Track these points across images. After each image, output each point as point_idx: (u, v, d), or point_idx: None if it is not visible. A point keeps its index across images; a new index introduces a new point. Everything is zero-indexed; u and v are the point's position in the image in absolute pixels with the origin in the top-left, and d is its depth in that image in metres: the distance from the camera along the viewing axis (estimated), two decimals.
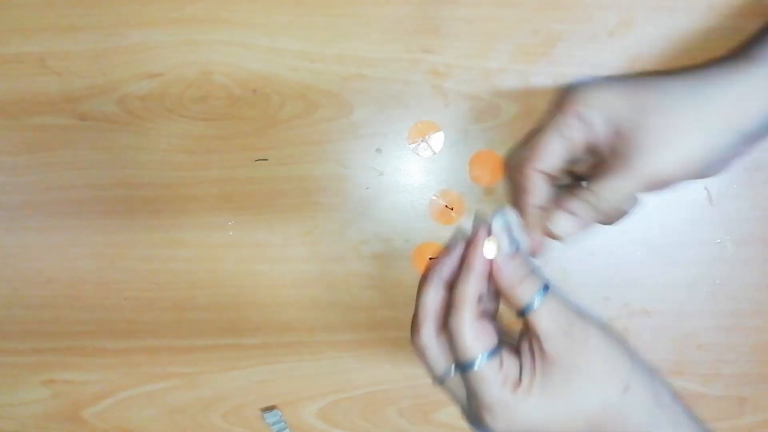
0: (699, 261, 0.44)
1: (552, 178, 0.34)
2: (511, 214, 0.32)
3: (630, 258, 0.44)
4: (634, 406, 0.29)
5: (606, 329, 0.31)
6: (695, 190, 0.43)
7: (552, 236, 0.33)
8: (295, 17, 0.42)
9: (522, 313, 0.30)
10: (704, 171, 0.32)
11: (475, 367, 0.29)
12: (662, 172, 0.30)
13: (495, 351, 0.29)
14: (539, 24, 0.42)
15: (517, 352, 0.30)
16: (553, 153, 0.33)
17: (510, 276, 0.30)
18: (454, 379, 0.31)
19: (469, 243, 0.31)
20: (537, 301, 0.29)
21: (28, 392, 0.48)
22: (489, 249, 0.30)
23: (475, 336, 0.29)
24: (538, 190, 0.33)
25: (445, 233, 0.44)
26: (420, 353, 0.32)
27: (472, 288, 0.30)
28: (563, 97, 0.34)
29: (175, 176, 0.44)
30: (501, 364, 0.29)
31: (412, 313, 0.34)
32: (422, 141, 0.43)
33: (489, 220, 0.32)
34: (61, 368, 0.47)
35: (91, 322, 0.46)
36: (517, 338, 0.31)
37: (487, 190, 0.44)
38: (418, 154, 0.44)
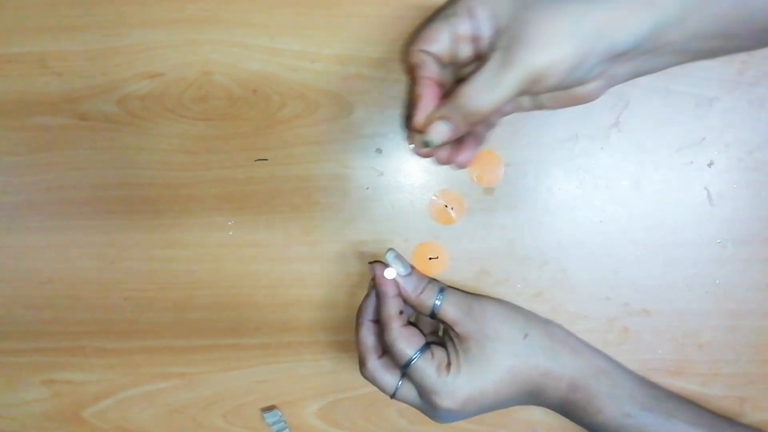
0: (699, 261, 0.44)
1: (438, 60, 0.35)
2: (395, 251, 0.40)
3: (630, 258, 0.44)
4: (536, 346, 0.38)
5: (500, 301, 0.40)
6: (695, 190, 0.43)
7: (429, 143, 0.35)
8: (295, 17, 0.42)
9: (432, 314, 0.38)
10: (576, 76, 0.32)
11: (412, 363, 0.36)
12: (533, 67, 0.31)
13: (425, 347, 0.37)
14: None
15: (443, 344, 0.38)
16: (440, 39, 0.35)
17: (412, 290, 0.38)
18: (404, 388, 0.38)
19: (375, 279, 0.38)
20: (438, 301, 0.37)
21: (28, 392, 0.48)
22: (389, 274, 0.38)
23: (406, 341, 0.37)
24: (427, 65, 0.35)
25: (445, 233, 0.44)
26: (372, 380, 0.39)
27: (391, 306, 0.37)
28: None
29: (175, 176, 0.44)
30: (432, 355, 0.37)
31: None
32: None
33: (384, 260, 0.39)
34: (61, 368, 0.47)
35: (91, 322, 0.46)
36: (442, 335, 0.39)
37: (486, 190, 0.44)
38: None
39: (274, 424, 0.46)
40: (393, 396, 0.39)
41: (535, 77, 0.31)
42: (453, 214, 0.44)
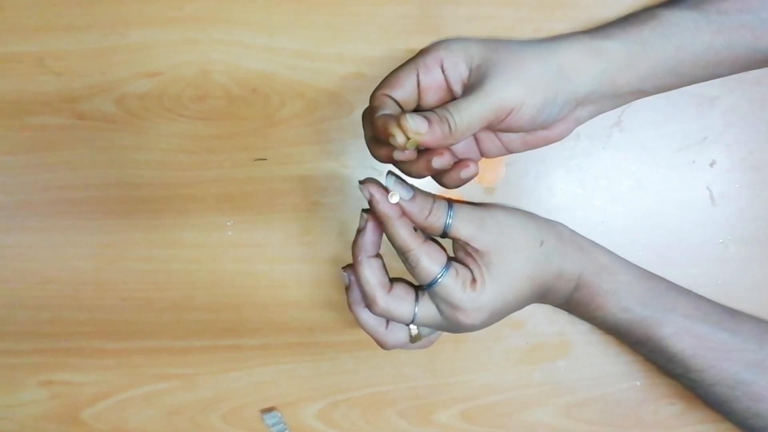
0: (701, 261, 0.43)
1: (401, 105, 0.36)
2: (395, 172, 0.36)
3: (630, 258, 0.43)
4: (551, 251, 0.37)
5: (508, 209, 0.38)
6: (697, 190, 0.43)
7: (404, 133, 0.33)
8: (295, 16, 0.42)
9: (444, 234, 0.36)
10: (545, 115, 0.35)
11: (439, 282, 0.35)
12: (504, 99, 0.33)
13: (448, 264, 0.35)
14: (540, 23, 0.41)
15: (460, 261, 0.37)
16: (405, 85, 0.36)
17: (419, 213, 0.35)
18: (421, 310, 0.37)
19: (374, 204, 0.35)
20: (449, 220, 0.35)
21: (27, 393, 0.47)
22: (392, 198, 0.35)
23: (429, 259, 0.35)
24: (387, 105, 0.36)
25: None
26: (387, 315, 0.37)
27: (403, 226, 0.35)
28: (429, 46, 0.37)
29: (173, 176, 0.44)
30: (456, 272, 0.35)
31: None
32: None
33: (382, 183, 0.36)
34: (60, 369, 0.47)
35: (89, 323, 0.46)
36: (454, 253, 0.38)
37: (487, 190, 0.44)
38: None
39: (273, 425, 0.46)
40: (411, 322, 0.37)
41: (505, 107, 0.34)
42: None
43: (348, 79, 0.43)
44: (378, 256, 0.38)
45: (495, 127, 0.35)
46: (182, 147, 0.44)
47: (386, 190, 0.35)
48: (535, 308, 0.44)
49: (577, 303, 0.39)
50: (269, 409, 0.47)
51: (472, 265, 0.36)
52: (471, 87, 0.35)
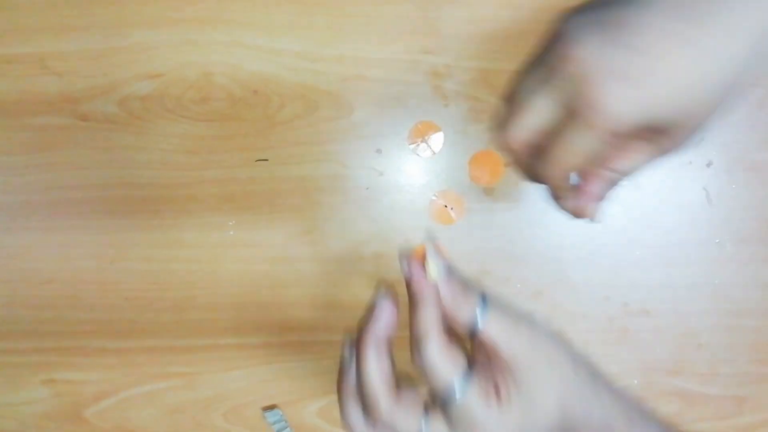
0: (698, 261, 0.44)
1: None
2: (434, 238, 0.31)
3: (629, 258, 0.44)
4: (584, 381, 0.30)
5: (540, 322, 0.31)
6: (694, 190, 0.43)
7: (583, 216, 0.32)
8: (295, 18, 0.42)
9: (471, 331, 0.29)
10: (708, 102, 0.29)
11: (459, 393, 0.28)
12: (666, 110, 0.28)
13: (469, 370, 0.29)
14: (540, 24, 0.42)
15: (482, 369, 0.30)
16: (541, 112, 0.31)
17: (451, 296, 0.30)
18: (430, 427, 0.29)
19: (410, 275, 0.30)
20: (481, 314, 0.29)
21: (29, 392, 0.48)
22: (431, 272, 0.30)
23: (450, 362, 0.29)
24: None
25: (444, 233, 0.44)
26: (387, 428, 0.30)
27: (432, 314, 0.29)
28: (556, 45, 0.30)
29: (175, 176, 0.44)
30: (479, 383, 0.29)
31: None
32: (422, 141, 0.43)
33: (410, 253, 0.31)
34: (62, 368, 0.47)
35: (91, 322, 0.46)
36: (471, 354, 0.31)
37: (486, 190, 0.44)
38: (418, 155, 0.44)
39: (275, 423, 0.46)
40: None
41: (674, 123, 0.29)
42: (453, 214, 0.44)
43: (348, 80, 0.43)
44: (389, 344, 0.31)
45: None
46: (184, 147, 0.44)
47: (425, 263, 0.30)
48: (533, 306, 0.44)
49: None
50: (270, 407, 0.47)
51: (498, 375, 0.29)
52: None
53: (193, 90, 0.43)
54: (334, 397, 0.46)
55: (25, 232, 0.46)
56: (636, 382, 0.45)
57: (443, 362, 0.28)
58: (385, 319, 0.31)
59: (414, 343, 0.30)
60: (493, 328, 0.29)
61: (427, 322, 0.29)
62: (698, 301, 0.44)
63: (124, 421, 0.48)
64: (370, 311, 0.31)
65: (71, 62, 0.43)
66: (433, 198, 0.44)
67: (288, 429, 0.47)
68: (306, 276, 0.45)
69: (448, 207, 0.44)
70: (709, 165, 0.43)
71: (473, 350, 0.30)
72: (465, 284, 0.30)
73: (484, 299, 0.30)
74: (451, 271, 0.30)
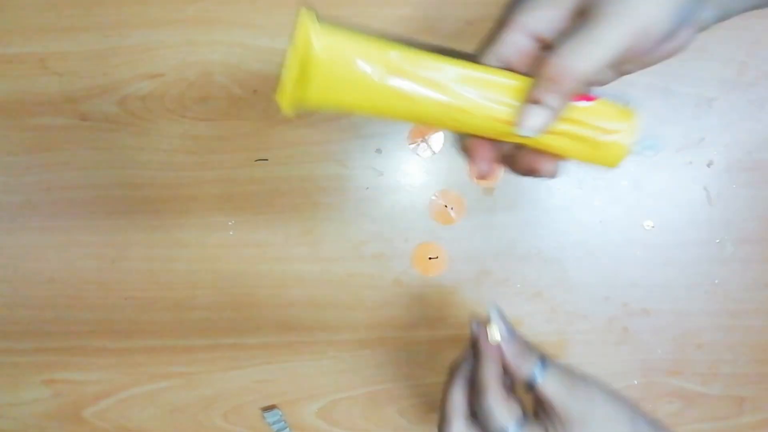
0: (698, 261, 0.44)
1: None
2: (499, 308, 0.34)
3: (629, 258, 0.44)
4: None
5: (603, 384, 0.34)
6: (695, 190, 0.43)
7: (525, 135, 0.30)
8: (295, 17, 0.42)
9: (529, 386, 0.33)
10: (675, 21, 0.28)
11: None
12: (637, 17, 0.27)
13: (523, 422, 0.32)
14: None
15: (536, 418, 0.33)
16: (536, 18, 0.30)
17: (512, 354, 0.33)
18: None
19: (477, 336, 0.34)
20: (539, 372, 0.32)
21: (29, 392, 0.48)
22: (493, 334, 0.33)
23: (506, 408, 0.32)
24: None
25: (445, 233, 0.44)
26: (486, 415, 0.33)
27: (493, 368, 0.33)
28: (501, 20, 0.30)
29: (175, 176, 0.44)
30: (530, 430, 0.32)
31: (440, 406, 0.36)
32: (422, 141, 0.43)
33: (486, 314, 0.34)
34: (62, 368, 0.47)
35: (91, 322, 0.46)
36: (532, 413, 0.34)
37: (486, 191, 0.44)
38: (418, 155, 0.44)
39: (274, 423, 0.46)
40: None
41: (640, 32, 0.27)
42: (453, 214, 0.44)
43: None
44: (470, 384, 0.35)
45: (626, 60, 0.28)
46: (184, 147, 0.44)
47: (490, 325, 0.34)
48: (533, 307, 0.44)
49: None
50: (270, 407, 0.47)
51: (550, 428, 0.32)
52: (579, 16, 0.28)
53: (193, 90, 0.43)
54: (333, 397, 0.47)
55: (26, 232, 0.46)
56: (636, 382, 0.45)
57: (500, 409, 0.32)
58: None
59: (476, 392, 0.33)
60: (550, 386, 0.32)
61: (490, 374, 0.33)
62: (698, 301, 0.44)
63: (125, 420, 0.48)
64: (466, 350, 0.35)
65: (72, 62, 0.43)
66: (434, 198, 0.44)
67: (287, 429, 0.47)
68: (306, 276, 0.45)
69: (448, 207, 0.44)
70: (709, 165, 0.43)
71: (533, 406, 0.33)
72: (527, 344, 0.34)
73: (543, 359, 0.33)
74: (513, 333, 0.34)
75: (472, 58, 0.30)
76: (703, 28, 0.30)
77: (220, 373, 0.47)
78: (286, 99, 0.29)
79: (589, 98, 0.29)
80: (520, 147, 0.31)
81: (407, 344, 0.46)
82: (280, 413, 0.47)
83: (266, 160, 0.44)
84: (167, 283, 0.46)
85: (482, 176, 0.33)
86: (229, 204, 0.45)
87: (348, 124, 0.43)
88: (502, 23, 0.30)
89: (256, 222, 0.45)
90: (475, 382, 0.34)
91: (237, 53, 0.43)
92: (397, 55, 0.28)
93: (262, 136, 0.44)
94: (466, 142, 0.32)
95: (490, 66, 0.29)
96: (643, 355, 0.44)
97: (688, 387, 0.45)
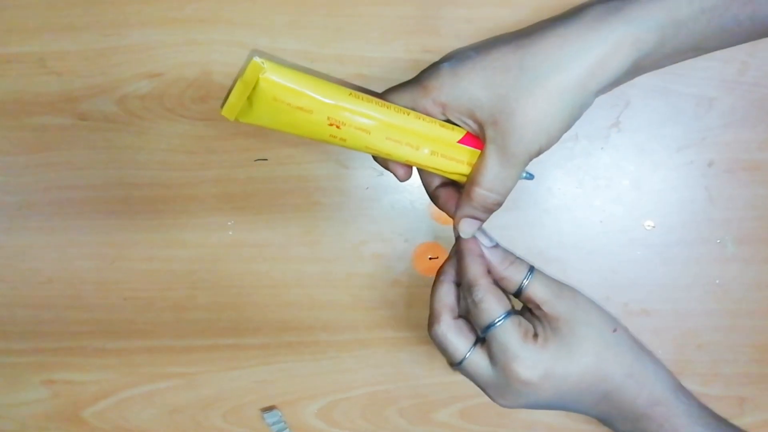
0: (699, 261, 0.44)
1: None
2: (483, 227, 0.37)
3: (630, 258, 0.44)
4: (624, 342, 0.36)
5: (583, 294, 0.37)
6: (695, 190, 0.43)
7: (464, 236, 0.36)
8: (295, 17, 0.42)
9: (518, 292, 0.36)
10: (564, 133, 0.33)
11: (498, 324, 0.34)
12: (533, 149, 0.33)
13: (511, 311, 0.35)
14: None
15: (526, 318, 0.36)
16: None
17: (499, 262, 0.36)
18: (475, 355, 0.35)
19: (458, 237, 0.36)
20: (526, 280, 0.35)
21: (28, 392, 0.48)
22: (476, 236, 0.36)
23: (498, 298, 0.35)
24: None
25: (445, 233, 0.44)
26: (441, 341, 0.36)
27: (478, 263, 0.35)
28: (426, 83, 0.34)
29: (174, 176, 0.44)
30: (519, 321, 0.34)
31: (428, 310, 0.38)
32: None
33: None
34: (61, 368, 0.47)
35: (91, 323, 0.46)
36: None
37: None
38: None
39: (273, 424, 0.46)
40: (459, 363, 0.36)
41: (536, 154, 0.33)
42: None
43: (348, 79, 0.43)
44: (458, 286, 0.37)
45: None
46: (183, 147, 0.44)
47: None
48: None
49: (649, 421, 0.35)
50: (269, 408, 0.47)
51: (538, 324, 0.35)
52: (492, 143, 0.33)
53: (192, 89, 0.43)
54: (333, 397, 0.47)
55: (25, 232, 0.46)
56: None
57: (490, 300, 0.34)
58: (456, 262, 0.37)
59: (465, 289, 0.36)
60: (538, 291, 0.35)
61: (476, 269, 0.35)
62: (699, 301, 0.44)
63: (124, 421, 0.47)
64: (448, 258, 0.38)
65: (71, 62, 0.43)
66: None
67: (287, 430, 0.47)
68: (306, 276, 0.45)
69: None
70: (710, 165, 0.43)
71: (523, 309, 0.37)
72: (513, 256, 0.37)
73: (531, 269, 0.36)
74: (498, 245, 0.37)
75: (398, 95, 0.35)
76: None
77: (220, 374, 0.47)
78: (230, 114, 0.34)
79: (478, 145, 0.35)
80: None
81: (407, 344, 0.46)
82: (280, 414, 0.47)
83: (266, 159, 0.44)
84: (166, 284, 0.46)
85: (401, 179, 0.37)
86: (228, 204, 0.44)
87: None
88: (421, 89, 0.34)
89: (255, 222, 0.45)
90: (463, 279, 0.36)
91: (236, 53, 0.43)
92: (333, 96, 0.32)
93: (262, 136, 0.44)
94: (379, 159, 0.36)
95: (411, 111, 0.34)
96: None
97: (689, 387, 0.44)
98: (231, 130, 0.44)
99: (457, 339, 0.35)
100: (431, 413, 0.46)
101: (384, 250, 0.44)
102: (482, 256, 0.36)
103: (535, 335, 0.34)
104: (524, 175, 0.35)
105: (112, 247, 0.45)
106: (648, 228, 0.44)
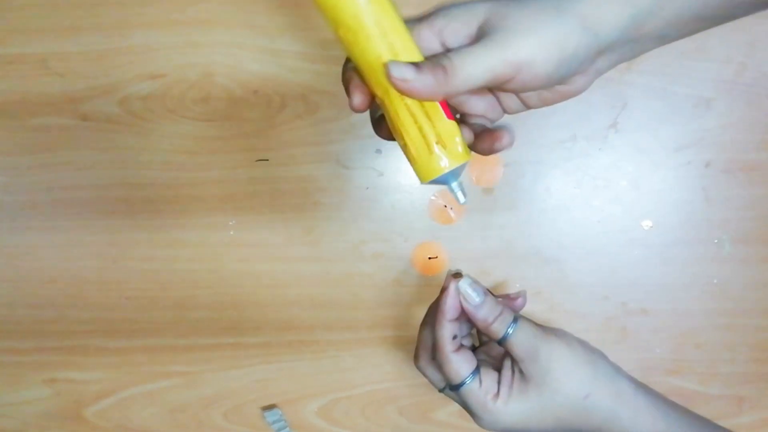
0: (697, 260, 0.44)
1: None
2: (471, 279, 0.37)
3: (628, 257, 0.44)
4: (595, 407, 0.36)
5: (570, 347, 0.37)
6: (693, 190, 0.43)
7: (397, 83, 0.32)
8: (296, 19, 0.43)
9: (502, 340, 0.36)
10: (563, 72, 0.32)
11: (460, 388, 0.36)
12: (514, 52, 0.31)
13: (474, 373, 0.36)
14: None
15: (496, 368, 0.37)
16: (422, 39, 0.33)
17: (483, 319, 0.36)
18: (449, 393, 0.38)
19: (442, 292, 0.37)
20: (509, 331, 0.36)
21: (30, 391, 0.48)
22: (464, 287, 0.36)
23: (456, 366, 0.36)
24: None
25: (444, 233, 0.44)
26: (422, 373, 0.39)
27: (447, 331, 0.37)
28: (424, 15, 0.33)
29: (176, 176, 0.45)
30: (480, 382, 0.36)
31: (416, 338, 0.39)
32: None
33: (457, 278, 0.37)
34: (63, 367, 0.47)
35: (92, 322, 0.47)
36: (501, 356, 0.38)
37: (485, 191, 0.44)
38: None
39: (274, 422, 0.47)
40: (441, 391, 0.39)
41: (514, 62, 0.30)
42: (452, 214, 0.44)
43: None
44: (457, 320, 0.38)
45: (506, 86, 0.32)
46: (185, 148, 0.44)
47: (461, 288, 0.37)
48: (532, 306, 0.44)
49: None
50: (270, 407, 0.47)
51: (505, 379, 0.37)
52: (477, 39, 0.31)
53: (194, 90, 0.43)
54: (333, 396, 0.47)
55: (27, 232, 0.46)
56: None
57: (451, 366, 0.36)
58: (451, 299, 0.37)
59: (433, 344, 0.37)
60: (515, 349, 0.36)
61: (443, 335, 0.36)
62: (697, 300, 0.44)
63: (125, 420, 0.48)
64: (442, 292, 0.37)
65: (73, 63, 0.44)
66: (433, 198, 0.44)
67: (287, 428, 0.47)
68: (306, 276, 0.45)
69: (448, 207, 0.44)
70: (707, 165, 0.43)
71: (505, 352, 0.37)
72: (499, 309, 0.37)
73: (516, 321, 0.36)
74: (485, 299, 0.37)
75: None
76: (600, 74, 0.34)
77: (221, 373, 0.47)
78: None
79: (449, 115, 0.33)
80: (381, 117, 0.34)
81: (407, 344, 0.46)
82: (281, 412, 0.47)
83: (267, 160, 0.44)
84: (168, 283, 0.46)
85: (355, 109, 0.34)
86: (229, 204, 0.45)
87: (348, 124, 0.44)
88: (422, 19, 0.33)
89: (256, 222, 0.45)
90: (433, 338, 0.37)
91: (238, 54, 0.43)
92: None
93: (263, 137, 0.44)
94: (347, 74, 0.34)
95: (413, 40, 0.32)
96: (641, 354, 0.45)
97: (687, 386, 0.45)
98: (232, 130, 0.44)
99: (434, 377, 0.38)
100: (430, 412, 0.47)
101: (384, 249, 0.45)
102: (453, 322, 0.37)
103: (497, 393, 0.36)
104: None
105: (113, 246, 0.46)
106: (646, 228, 0.44)
